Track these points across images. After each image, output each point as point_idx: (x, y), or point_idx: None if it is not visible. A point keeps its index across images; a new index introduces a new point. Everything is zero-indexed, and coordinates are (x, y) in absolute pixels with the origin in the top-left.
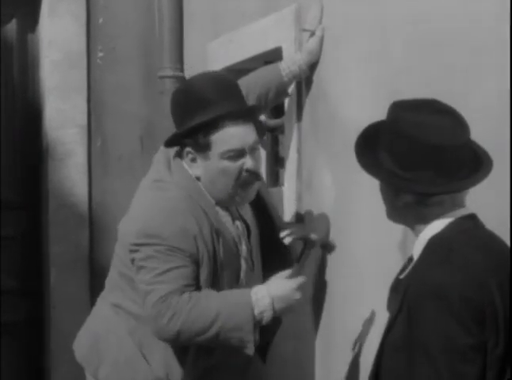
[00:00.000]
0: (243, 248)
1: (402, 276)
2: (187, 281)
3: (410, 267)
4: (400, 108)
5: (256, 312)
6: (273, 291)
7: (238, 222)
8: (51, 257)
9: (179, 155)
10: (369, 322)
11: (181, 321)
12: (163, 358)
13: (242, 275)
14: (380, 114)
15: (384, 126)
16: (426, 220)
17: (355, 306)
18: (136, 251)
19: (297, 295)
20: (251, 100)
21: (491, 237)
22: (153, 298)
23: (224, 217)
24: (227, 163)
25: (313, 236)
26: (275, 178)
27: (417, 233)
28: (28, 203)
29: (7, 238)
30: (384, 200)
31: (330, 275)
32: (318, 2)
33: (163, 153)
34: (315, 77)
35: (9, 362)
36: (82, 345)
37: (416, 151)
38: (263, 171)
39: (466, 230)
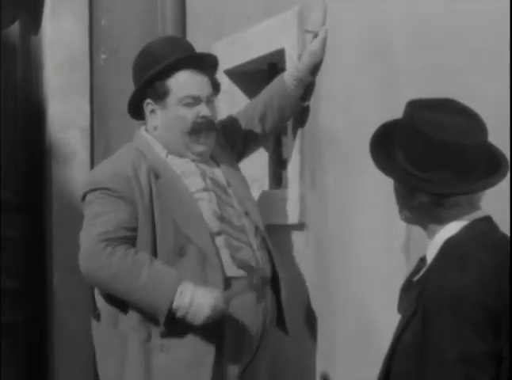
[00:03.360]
0: (208, 182)
1: (415, 278)
2: (117, 224)
3: (424, 269)
4: (416, 107)
5: (174, 305)
6: (196, 296)
7: (201, 165)
8: (54, 259)
9: (134, 115)
10: None
11: (107, 276)
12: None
13: (216, 206)
14: (382, 115)
15: (400, 125)
16: (442, 221)
17: (357, 308)
18: (83, 201)
19: (208, 310)
20: (259, 110)
21: (506, 241)
22: (85, 238)
23: (183, 164)
24: (183, 110)
25: None
26: (278, 180)
27: (431, 234)
28: (32, 205)
29: (10, 239)
30: (397, 200)
31: (332, 276)
32: (321, 4)
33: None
34: (317, 78)
35: (12, 364)
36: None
37: (433, 151)
38: (266, 173)
39: (482, 234)
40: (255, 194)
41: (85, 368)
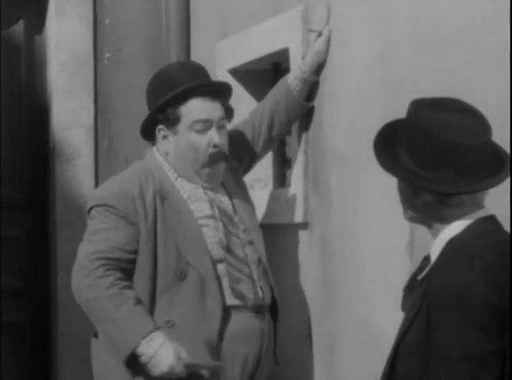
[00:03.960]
0: (215, 211)
1: (419, 277)
2: (114, 244)
3: (428, 267)
4: (420, 107)
5: (139, 349)
6: (161, 351)
7: (209, 192)
8: (57, 258)
9: (146, 138)
10: None
11: (90, 297)
12: None
13: (222, 234)
14: (387, 114)
15: (404, 124)
16: (446, 220)
17: (361, 307)
18: (88, 215)
19: (165, 368)
20: (267, 116)
21: (510, 240)
22: (81, 252)
23: (191, 190)
24: (195, 136)
25: None
26: (282, 179)
27: (435, 233)
28: (35, 204)
29: (14, 238)
30: (401, 199)
31: (336, 275)
32: (325, 3)
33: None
34: (321, 78)
35: (15, 364)
36: None
37: (437, 150)
38: (270, 173)
39: (486, 233)
40: (259, 194)
41: (89, 368)
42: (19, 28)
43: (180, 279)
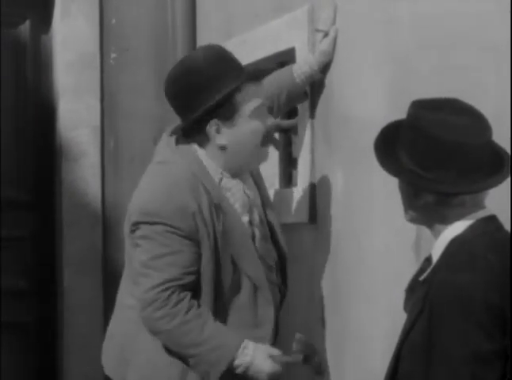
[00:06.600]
0: (255, 217)
1: (421, 278)
2: (183, 269)
3: (429, 268)
4: (421, 107)
5: (235, 362)
6: (257, 357)
7: (248, 191)
8: (64, 258)
9: (187, 136)
10: None
11: (171, 326)
12: None
13: (257, 243)
14: (393, 114)
15: (404, 125)
16: (447, 220)
17: (367, 307)
18: (136, 229)
19: (265, 377)
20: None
21: (511, 240)
22: (147, 283)
23: (235, 186)
24: (256, 122)
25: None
26: (288, 179)
27: (436, 234)
28: (42, 203)
29: (20, 238)
30: (403, 200)
31: (342, 275)
32: (331, 3)
33: (165, 139)
34: (328, 78)
35: (22, 363)
36: (109, 358)
37: (438, 150)
38: (276, 172)
39: (487, 233)
40: None
41: (96, 369)
42: (25, 28)
43: (236, 292)
